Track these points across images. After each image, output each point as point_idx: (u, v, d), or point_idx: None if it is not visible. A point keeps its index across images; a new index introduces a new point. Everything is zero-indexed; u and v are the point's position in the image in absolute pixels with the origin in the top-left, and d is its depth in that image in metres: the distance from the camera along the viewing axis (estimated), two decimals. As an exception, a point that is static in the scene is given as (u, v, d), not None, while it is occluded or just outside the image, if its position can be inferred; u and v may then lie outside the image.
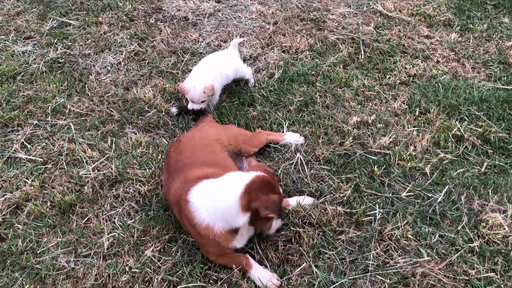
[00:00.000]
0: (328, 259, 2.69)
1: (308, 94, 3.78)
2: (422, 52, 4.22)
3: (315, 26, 4.60)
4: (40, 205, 3.03)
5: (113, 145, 3.45)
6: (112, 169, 3.23)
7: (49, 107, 3.77)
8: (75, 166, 3.32)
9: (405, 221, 2.84)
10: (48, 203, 3.06)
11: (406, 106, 3.65)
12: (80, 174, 3.23)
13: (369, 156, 3.25)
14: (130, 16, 4.83)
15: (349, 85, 3.88)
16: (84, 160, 3.33)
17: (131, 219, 2.96)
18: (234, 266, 2.62)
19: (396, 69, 4.02)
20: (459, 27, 4.51)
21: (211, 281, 2.61)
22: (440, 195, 2.98)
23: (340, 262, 2.67)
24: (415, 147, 3.31)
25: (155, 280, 2.62)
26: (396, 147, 3.29)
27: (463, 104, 3.61)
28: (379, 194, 3.02)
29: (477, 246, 2.70)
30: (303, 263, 2.66)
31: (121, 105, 3.78)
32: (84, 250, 2.80)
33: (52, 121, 3.67)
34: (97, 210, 3.02)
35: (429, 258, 2.66)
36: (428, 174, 3.12)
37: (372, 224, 2.85)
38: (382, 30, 4.50)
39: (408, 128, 3.46)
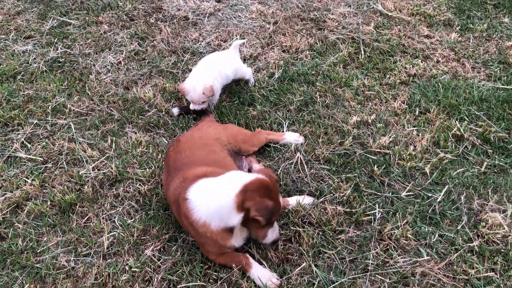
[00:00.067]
0: (328, 258, 2.69)
1: (308, 94, 3.78)
2: (422, 51, 4.23)
3: (315, 26, 4.60)
4: (40, 205, 3.03)
5: (113, 144, 3.45)
6: (112, 168, 3.23)
7: (49, 107, 3.77)
8: (75, 166, 3.32)
9: (405, 221, 2.84)
10: (48, 203, 3.06)
11: (406, 106, 3.65)
12: (80, 173, 3.23)
13: (369, 155, 3.25)
14: (130, 15, 4.83)
15: (349, 84, 3.88)
16: (84, 160, 3.34)
17: (131, 219, 2.96)
18: (234, 265, 2.62)
19: (396, 68, 4.02)
20: (459, 27, 4.51)
21: (211, 280, 2.61)
22: (439, 195, 2.98)
23: (340, 261, 2.67)
24: (415, 146, 3.31)
25: (155, 279, 2.62)
26: (396, 147, 3.29)
27: (463, 103, 3.62)
28: (379, 193, 3.02)
29: (476, 245, 2.70)
30: (303, 262, 2.66)
31: (121, 105, 3.78)
32: (84, 249, 2.81)
33: (52, 120, 3.67)
34: (97, 210, 3.02)
35: (429, 257, 2.67)
36: (428, 174, 3.12)
37: (372, 224, 2.85)
38: (382, 29, 4.50)
39: (408, 128, 3.46)
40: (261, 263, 2.67)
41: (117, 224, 2.93)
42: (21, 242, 2.85)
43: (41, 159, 3.36)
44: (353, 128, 3.46)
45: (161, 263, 2.71)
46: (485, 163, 3.18)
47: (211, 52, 4.20)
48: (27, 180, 3.21)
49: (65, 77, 4.10)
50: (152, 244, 2.80)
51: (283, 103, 3.72)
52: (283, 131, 3.47)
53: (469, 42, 4.33)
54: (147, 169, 3.22)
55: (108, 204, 3.05)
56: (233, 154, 3.14)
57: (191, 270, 2.65)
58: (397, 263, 2.64)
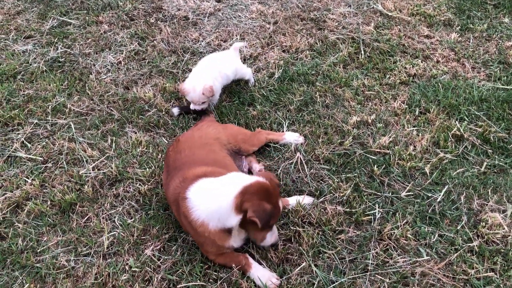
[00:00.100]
0: (328, 258, 2.69)
1: (308, 94, 3.78)
2: (422, 52, 4.23)
3: (315, 26, 4.60)
4: (40, 204, 3.04)
5: (113, 144, 3.45)
6: (112, 168, 3.23)
7: (49, 106, 3.77)
8: (75, 165, 3.32)
9: (405, 221, 2.85)
10: (48, 202, 3.07)
11: (406, 106, 3.66)
12: (80, 173, 3.24)
13: (369, 155, 3.25)
14: (130, 15, 4.83)
15: (349, 84, 3.89)
16: (84, 159, 3.34)
17: (131, 218, 2.96)
18: (233, 265, 2.62)
19: (396, 68, 4.02)
20: (459, 27, 4.51)
21: (210, 280, 2.61)
22: (439, 195, 2.98)
23: (340, 261, 2.67)
24: (414, 146, 3.31)
25: (155, 279, 2.62)
26: (396, 147, 3.29)
27: (463, 104, 3.62)
28: (379, 193, 3.02)
29: (476, 245, 2.70)
30: (302, 262, 2.66)
31: (121, 104, 3.78)
32: (84, 249, 2.81)
33: (52, 120, 3.67)
34: (97, 209, 3.02)
35: (429, 257, 2.67)
36: (428, 174, 3.12)
37: (372, 224, 2.85)
38: (382, 29, 4.50)
39: (408, 128, 3.46)
40: (261, 263, 2.67)
41: (117, 224, 2.93)
42: (21, 242, 2.85)
43: (41, 158, 3.36)
44: (353, 128, 3.47)
45: (161, 262, 2.71)
46: (485, 163, 3.18)
47: (211, 52, 4.20)
48: (27, 179, 3.21)
49: (65, 77, 4.11)
50: (152, 244, 2.80)
51: (283, 103, 3.72)
52: (283, 131, 3.47)
53: (469, 42, 4.33)
54: (147, 169, 3.22)
55: (108, 204, 3.05)
56: (233, 154, 3.14)
57: (191, 270, 2.65)
58: (397, 263, 2.65)
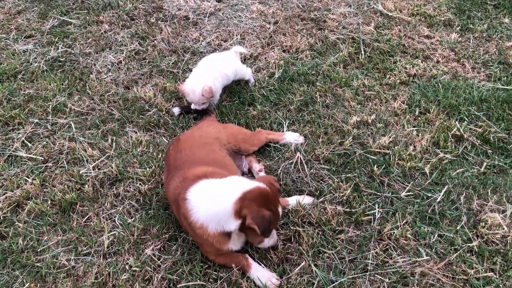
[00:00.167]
0: (328, 258, 2.69)
1: (308, 94, 3.79)
2: (422, 52, 4.23)
3: (316, 26, 4.60)
4: (41, 204, 3.04)
5: (114, 144, 3.45)
6: (112, 167, 3.24)
7: (50, 106, 3.78)
8: (75, 165, 3.33)
9: (405, 221, 2.85)
10: (49, 202, 3.07)
11: (406, 106, 3.66)
12: (80, 172, 3.24)
13: (369, 155, 3.26)
14: (130, 15, 4.83)
15: (349, 84, 3.89)
16: (85, 159, 3.34)
17: (131, 218, 2.97)
18: (233, 265, 2.62)
19: (396, 69, 4.02)
20: (459, 27, 4.51)
21: (210, 280, 2.61)
22: (439, 195, 2.99)
23: (340, 261, 2.68)
24: (414, 147, 3.32)
25: (155, 278, 2.62)
26: (396, 147, 3.30)
27: (463, 104, 3.62)
28: (379, 193, 3.03)
29: (476, 246, 2.70)
30: (302, 262, 2.67)
31: (122, 104, 3.79)
32: (84, 248, 2.81)
33: (52, 119, 3.68)
34: (98, 209, 3.03)
35: (428, 257, 2.67)
36: (428, 174, 3.12)
37: (372, 224, 2.86)
38: (383, 30, 4.50)
39: (408, 128, 3.46)
40: (261, 263, 2.67)
41: (117, 223, 2.94)
42: (22, 241, 2.86)
43: (42, 158, 3.37)
44: (353, 128, 3.47)
45: (161, 262, 2.71)
46: (485, 164, 3.18)
47: (211, 52, 4.21)
48: (27, 179, 3.22)
49: (65, 76, 4.11)
50: (152, 243, 2.81)
51: (283, 103, 3.72)
52: (283, 131, 3.47)
53: (469, 42, 4.34)
54: (147, 169, 3.22)
55: (109, 204, 3.05)
56: (233, 154, 3.14)
57: (191, 269, 2.66)
58: (397, 263, 2.65)
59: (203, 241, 2.55)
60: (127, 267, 2.70)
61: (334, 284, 2.55)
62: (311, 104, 3.70)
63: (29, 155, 3.39)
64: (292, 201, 2.93)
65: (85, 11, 4.90)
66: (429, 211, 2.91)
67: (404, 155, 3.23)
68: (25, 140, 3.51)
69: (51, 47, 4.43)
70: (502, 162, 3.20)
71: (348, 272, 2.61)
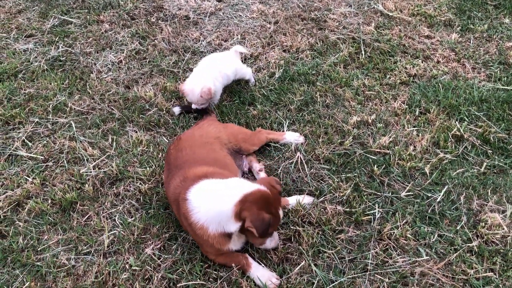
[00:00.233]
0: (328, 258, 2.70)
1: (309, 94, 3.79)
2: (423, 52, 4.23)
3: (316, 26, 4.61)
4: (41, 203, 3.04)
5: (114, 143, 3.46)
6: (112, 167, 3.24)
7: (50, 105, 3.78)
8: (76, 164, 3.33)
9: (404, 221, 2.85)
10: (49, 201, 3.07)
11: (406, 106, 3.66)
12: (81, 172, 3.24)
13: (369, 155, 3.26)
14: (131, 14, 4.84)
15: (349, 84, 3.89)
16: (85, 158, 3.35)
17: (131, 217, 2.97)
18: (233, 265, 2.63)
19: (397, 69, 4.03)
20: (460, 27, 4.52)
21: (210, 279, 2.62)
22: (439, 195, 2.99)
23: (340, 261, 2.68)
24: (414, 147, 3.32)
25: (155, 278, 2.63)
26: (396, 147, 3.30)
27: (463, 104, 3.62)
28: (379, 193, 3.03)
29: (475, 246, 2.70)
30: (302, 261, 2.67)
31: (122, 104, 3.79)
32: (84, 247, 2.81)
33: (53, 119, 3.68)
34: (98, 208, 3.03)
35: (428, 257, 2.67)
36: (428, 174, 3.13)
37: (372, 224, 2.86)
38: (383, 30, 4.50)
39: (408, 128, 3.46)
40: (261, 263, 2.67)
41: (118, 222, 2.94)
42: (22, 240, 2.86)
43: (42, 157, 3.37)
44: (353, 128, 3.47)
45: (161, 261, 2.72)
46: (485, 164, 3.18)
47: (212, 52, 4.21)
48: (28, 178, 3.22)
49: (66, 75, 4.11)
50: (152, 242, 2.81)
51: (284, 103, 3.73)
52: (283, 131, 3.47)
53: (470, 42, 4.34)
54: (148, 168, 3.23)
55: (109, 203, 3.05)
56: (233, 153, 3.15)
57: (191, 268, 2.66)
58: (397, 263, 2.65)
59: (203, 242, 2.55)
60: (127, 266, 2.70)
61: (334, 284, 2.56)
62: (311, 104, 3.71)
63: (30, 154, 3.39)
64: (292, 200, 2.94)
65: (86, 11, 4.91)
66: (429, 211, 2.91)
67: (404, 155, 3.24)
68: (25, 139, 3.52)
69: (52, 46, 4.43)
70: (502, 162, 3.20)
71: (348, 272, 2.62)
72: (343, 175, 3.13)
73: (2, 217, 3.00)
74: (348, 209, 2.92)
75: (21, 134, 3.56)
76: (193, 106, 3.54)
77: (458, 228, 2.81)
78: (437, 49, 4.26)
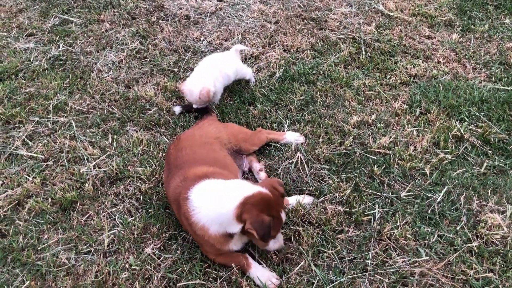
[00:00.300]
0: (327, 258, 2.70)
1: (309, 94, 3.79)
2: (423, 52, 4.23)
3: (317, 26, 4.60)
4: (41, 202, 3.04)
5: (114, 142, 3.46)
6: (113, 166, 3.24)
7: (51, 104, 3.78)
8: (76, 164, 3.33)
9: (404, 221, 2.85)
10: (49, 200, 3.07)
11: (407, 106, 3.66)
12: (81, 171, 3.24)
13: (369, 155, 3.26)
14: (132, 14, 4.84)
15: (349, 84, 3.89)
16: (85, 158, 3.35)
17: (131, 217, 2.97)
18: (233, 265, 2.63)
19: (397, 69, 4.02)
20: (460, 27, 4.51)
21: (210, 279, 2.62)
22: (439, 195, 2.99)
23: (339, 261, 2.68)
24: (415, 147, 3.32)
25: (155, 277, 2.63)
26: (396, 147, 3.30)
27: (463, 104, 3.62)
28: (379, 193, 3.03)
29: (475, 246, 2.71)
30: (302, 261, 2.67)
31: (122, 103, 3.79)
32: (84, 247, 2.82)
33: (53, 118, 3.68)
34: (98, 208, 3.03)
35: (428, 258, 2.67)
36: (428, 174, 3.13)
37: (372, 224, 2.86)
38: (384, 30, 4.50)
39: (408, 128, 3.46)
40: (261, 263, 2.67)
41: (118, 222, 2.94)
42: (22, 240, 2.86)
43: (42, 156, 3.37)
44: (353, 128, 3.47)
45: (161, 261, 2.72)
46: (485, 164, 3.18)
47: (212, 51, 4.21)
48: (28, 177, 3.22)
49: (66, 75, 4.11)
50: (152, 242, 2.81)
51: (284, 103, 3.73)
52: (283, 131, 3.48)
53: (470, 43, 4.34)
54: (148, 168, 3.23)
55: (109, 202, 3.06)
56: (233, 153, 3.15)
57: (191, 268, 2.66)
58: (396, 263, 2.65)
59: (203, 241, 2.55)
60: (127, 265, 2.70)
61: (333, 284, 2.56)
62: (312, 104, 3.71)
63: (30, 154, 3.40)
64: (292, 200, 2.94)
65: (86, 10, 4.91)
66: (429, 212, 2.91)
67: (404, 155, 3.24)
68: (25, 139, 3.52)
69: (52, 45, 4.43)
70: (502, 163, 3.20)
71: (347, 272, 2.62)
72: (343, 175, 3.13)
73: (2, 216, 3.01)
74: (348, 209, 2.93)
75: (22, 133, 3.56)
76: (194, 106, 3.54)
77: (458, 228, 2.81)
78: (438, 49, 4.26)
